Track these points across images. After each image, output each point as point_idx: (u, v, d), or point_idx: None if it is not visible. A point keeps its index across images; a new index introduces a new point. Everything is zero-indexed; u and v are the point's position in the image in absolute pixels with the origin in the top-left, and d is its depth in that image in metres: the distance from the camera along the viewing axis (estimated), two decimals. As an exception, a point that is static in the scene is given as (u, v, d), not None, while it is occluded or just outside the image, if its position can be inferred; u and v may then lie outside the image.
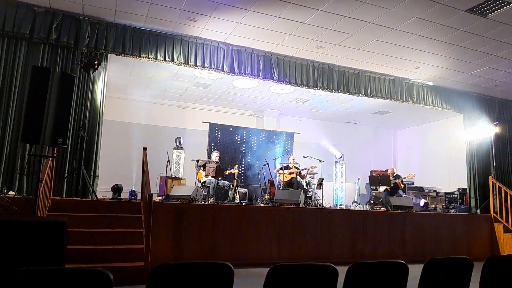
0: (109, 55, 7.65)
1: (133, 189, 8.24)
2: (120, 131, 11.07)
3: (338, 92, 9.56)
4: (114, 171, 9.36)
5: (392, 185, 9.99)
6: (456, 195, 10.82)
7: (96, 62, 6.98)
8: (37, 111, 4.86)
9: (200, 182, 9.10)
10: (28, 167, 6.68)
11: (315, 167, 10.03)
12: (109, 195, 7.33)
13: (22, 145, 6.65)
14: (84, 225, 5.72)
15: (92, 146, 7.24)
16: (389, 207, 8.96)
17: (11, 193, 6.15)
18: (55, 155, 5.97)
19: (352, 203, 11.31)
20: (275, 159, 10.60)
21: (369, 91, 9.66)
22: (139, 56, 7.72)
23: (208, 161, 9.52)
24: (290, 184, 9.55)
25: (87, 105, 7.27)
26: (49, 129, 5.02)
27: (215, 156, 9.55)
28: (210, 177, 8.98)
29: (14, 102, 6.80)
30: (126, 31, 7.64)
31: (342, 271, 2.38)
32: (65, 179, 6.89)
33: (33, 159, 6.56)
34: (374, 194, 10.65)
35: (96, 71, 7.22)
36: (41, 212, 5.23)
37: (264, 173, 10.22)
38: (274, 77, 8.79)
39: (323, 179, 9.96)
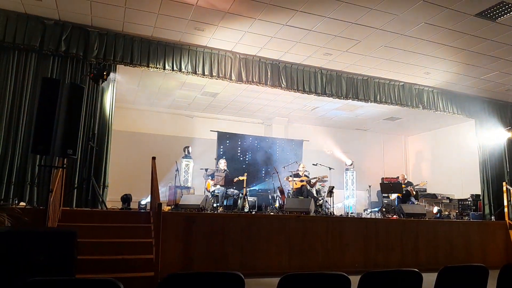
0: (117, 65, 7.72)
1: (143, 198, 8.24)
2: (129, 141, 11.12)
3: (347, 99, 9.51)
4: (124, 181, 9.39)
5: (404, 192, 9.86)
6: (469, 202, 10.64)
7: (105, 73, 7.04)
8: (47, 122, 4.90)
9: (209, 191, 9.07)
10: (39, 178, 6.72)
11: (325, 176, 9.94)
12: (119, 205, 7.34)
13: (32, 156, 6.71)
14: (94, 235, 5.71)
15: (102, 156, 7.28)
16: (401, 214, 8.84)
17: (22, 204, 6.19)
18: (65, 165, 6.00)
19: (364, 211, 11.19)
20: (284, 167, 10.54)
21: (378, 97, 9.59)
22: (147, 66, 7.76)
23: (217, 169, 9.50)
24: (300, 192, 9.47)
25: (97, 115, 7.32)
26: (59, 140, 5.05)
27: (222, 164, 9.53)
28: (219, 186, 8.95)
29: (24, 114, 6.88)
30: (134, 42, 7.71)
31: (354, 280, 2.33)
32: (75, 190, 6.92)
33: (43, 170, 6.61)
34: (386, 201, 10.53)
35: (105, 81, 7.28)
36: (51, 223, 5.25)
37: (274, 181, 10.16)
38: (282, 85, 8.78)
39: (333, 187, 9.87)
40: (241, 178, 9.37)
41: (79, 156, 6.89)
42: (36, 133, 4.90)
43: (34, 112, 5.84)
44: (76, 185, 6.96)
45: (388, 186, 10.20)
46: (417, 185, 10.42)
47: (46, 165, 5.57)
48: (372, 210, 10.85)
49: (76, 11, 6.97)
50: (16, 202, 6.24)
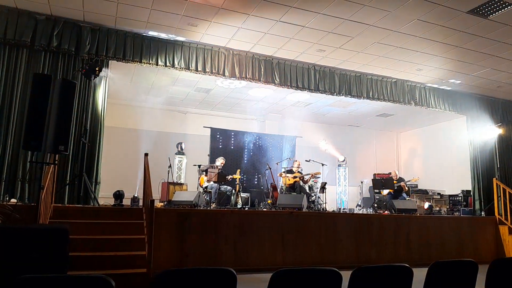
0: (110, 61, 7.67)
1: (135, 195, 8.22)
2: (121, 137, 11.07)
3: (340, 95, 9.54)
4: (116, 177, 9.34)
5: (395, 188, 9.93)
6: (460, 198, 10.74)
7: (97, 69, 6.99)
8: (38, 118, 4.85)
9: (202, 187, 9.06)
10: (30, 174, 6.68)
11: (318, 173, 9.97)
12: (111, 201, 7.31)
13: (23, 152, 6.65)
14: (86, 232, 5.70)
15: (94, 152, 7.23)
16: (393, 210, 8.91)
17: (13, 200, 6.14)
18: (56, 162, 5.96)
19: (356, 207, 11.26)
20: (277, 164, 10.56)
21: (371, 94, 9.63)
22: (140, 62, 7.73)
23: (211, 166, 9.48)
24: (293, 188, 9.50)
25: (89, 111, 7.28)
26: (50, 136, 5.01)
27: (220, 162, 9.49)
28: (212, 182, 8.94)
29: (15, 110, 6.81)
30: (127, 37, 7.66)
31: (346, 275, 2.35)
32: (67, 186, 6.88)
33: (34, 166, 6.57)
34: (378, 197, 10.59)
35: (97, 77, 7.23)
36: (43, 220, 5.22)
37: (267, 177, 10.18)
38: (275, 81, 8.78)
39: (326, 182, 9.91)
40: (235, 176, 9.37)
41: (71, 152, 6.85)
42: (28, 129, 4.85)
43: (26, 108, 5.81)
44: (68, 182, 6.92)
45: (380, 182, 10.26)
46: (409, 181, 10.50)
47: (37, 162, 5.53)
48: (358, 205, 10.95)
49: (68, 6, 6.90)
50: (7, 198, 6.19)
